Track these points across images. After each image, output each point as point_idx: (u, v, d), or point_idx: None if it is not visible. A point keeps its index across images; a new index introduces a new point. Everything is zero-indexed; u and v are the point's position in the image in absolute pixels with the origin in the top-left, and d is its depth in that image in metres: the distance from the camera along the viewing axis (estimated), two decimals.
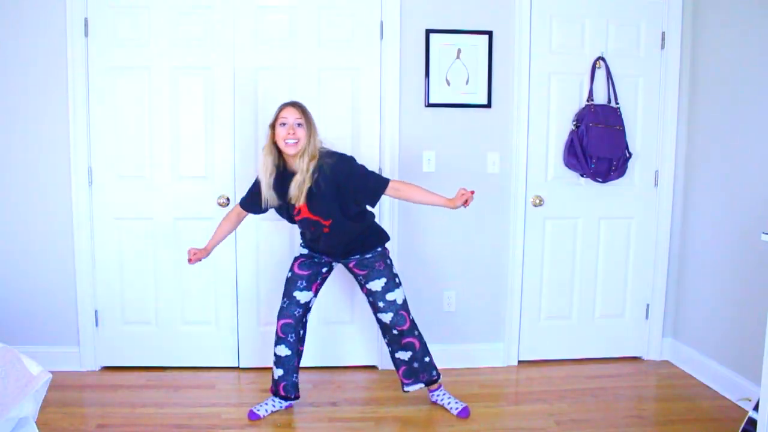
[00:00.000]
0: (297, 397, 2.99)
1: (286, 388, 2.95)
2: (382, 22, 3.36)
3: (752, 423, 2.53)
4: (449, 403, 3.02)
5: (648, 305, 3.70)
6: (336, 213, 2.73)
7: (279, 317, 2.92)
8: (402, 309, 2.90)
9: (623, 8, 3.49)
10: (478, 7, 3.41)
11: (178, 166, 3.39)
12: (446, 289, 3.55)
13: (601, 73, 3.49)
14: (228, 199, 3.38)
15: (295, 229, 3.44)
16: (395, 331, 2.93)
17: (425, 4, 3.37)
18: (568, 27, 3.47)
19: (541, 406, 3.11)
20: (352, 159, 2.80)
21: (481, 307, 3.59)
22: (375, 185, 2.76)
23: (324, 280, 2.99)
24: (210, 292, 3.47)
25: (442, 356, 3.52)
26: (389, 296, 2.87)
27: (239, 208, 2.98)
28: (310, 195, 2.69)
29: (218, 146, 3.38)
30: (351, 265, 2.91)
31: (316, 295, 2.97)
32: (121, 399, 3.12)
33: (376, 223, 2.98)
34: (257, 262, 3.46)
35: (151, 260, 3.43)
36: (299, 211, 2.76)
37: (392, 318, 2.89)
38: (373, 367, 3.56)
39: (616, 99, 3.48)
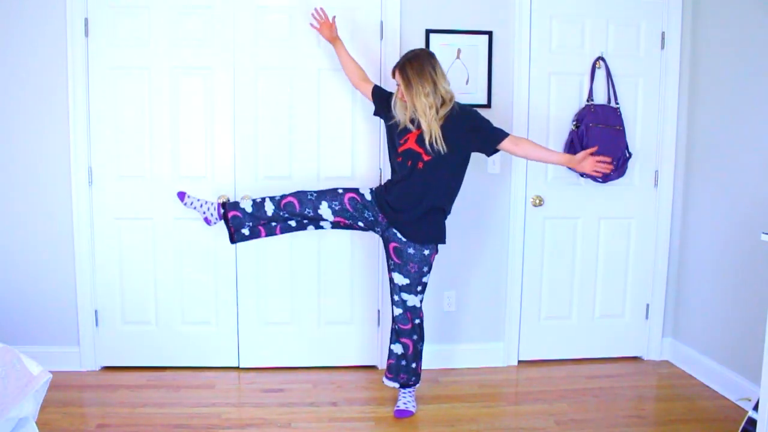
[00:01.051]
0: (232, 235, 3.03)
1: (233, 214, 3.00)
2: (382, 22, 3.36)
3: (752, 423, 2.53)
4: (405, 403, 3.02)
5: (648, 305, 3.70)
6: (438, 152, 2.81)
7: (294, 195, 2.97)
8: (410, 311, 2.95)
9: (623, 8, 3.49)
10: (478, 7, 3.41)
11: (178, 166, 3.38)
12: (446, 289, 3.56)
13: (601, 73, 3.49)
14: (228, 199, 3.38)
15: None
16: (396, 327, 2.98)
17: (425, 4, 3.38)
18: (568, 27, 3.47)
19: (541, 406, 3.11)
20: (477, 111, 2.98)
21: (481, 307, 3.59)
22: (497, 131, 2.91)
23: (351, 227, 3.01)
24: (210, 292, 3.47)
25: (442, 356, 3.54)
26: (404, 296, 2.93)
27: (371, 82, 3.13)
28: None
29: (218, 146, 3.38)
30: (392, 245, 2.91)
31: (333, 226, 3.01)
32: (121, 399, 3.11)
33: (445, 220, 2.97)
34: (257, 262, 3.46)
35: (151, 260, 3.43)
36: (407, 140, 2.86)
37: (399, 314, 2.96)
38: (373, 367, 3.56)
39: (616, 99, 3.48)
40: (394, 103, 2.94)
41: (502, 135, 2.89)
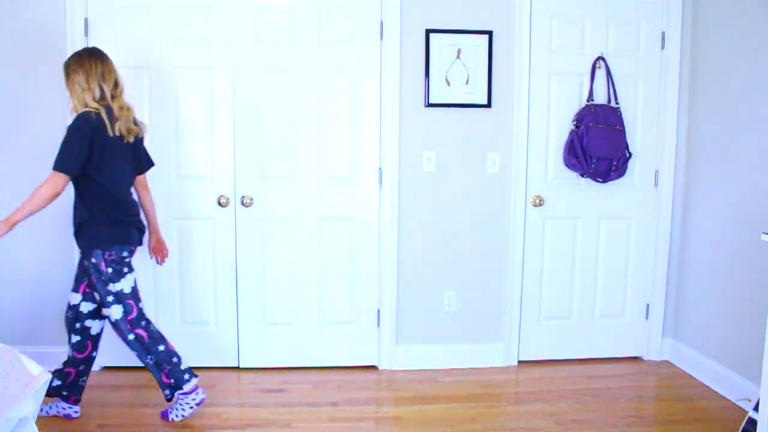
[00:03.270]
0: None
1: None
2: (382, 22, 3.36)
3: (752, 423, 2.53)
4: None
5: (648, 305, 3.70)
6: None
7: (149, 322, 2.89)
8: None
9: (623, 8, 3.49)
10: (478, 7, 3.41)
11: (177, 166, 3.38)
12: (446, 289, 3.55)
13: (601, 73, 3.49)
14: (228, 199, 3.38)
15: (299, 230, 3.45)
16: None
17: (425, 4, 3.37)
18: (568, 27, 3.47)
19: (541, 406, 3.11)
20: (73, 123, 2.72)
21: (481, 307, 3.59)
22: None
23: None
24: (210, 292, 3.47)
25: (442, 356, 3.54)
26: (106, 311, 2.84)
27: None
28: None
29: (218, 146, 3.38)
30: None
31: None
32: (121, 399, 3.12)
33: (98, 219, 2.77)
34: (257, 262, 3.45)
35: (151, 260, 3.43)
36: None
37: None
38: (373, 367, 3.56)
39: (616, 99, 3.48)
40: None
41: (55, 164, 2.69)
